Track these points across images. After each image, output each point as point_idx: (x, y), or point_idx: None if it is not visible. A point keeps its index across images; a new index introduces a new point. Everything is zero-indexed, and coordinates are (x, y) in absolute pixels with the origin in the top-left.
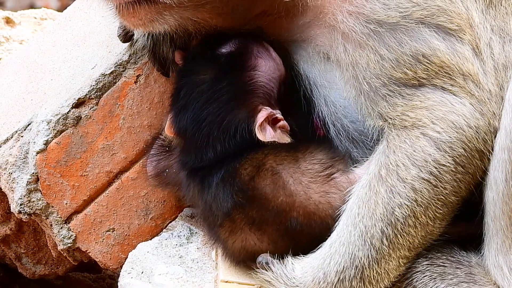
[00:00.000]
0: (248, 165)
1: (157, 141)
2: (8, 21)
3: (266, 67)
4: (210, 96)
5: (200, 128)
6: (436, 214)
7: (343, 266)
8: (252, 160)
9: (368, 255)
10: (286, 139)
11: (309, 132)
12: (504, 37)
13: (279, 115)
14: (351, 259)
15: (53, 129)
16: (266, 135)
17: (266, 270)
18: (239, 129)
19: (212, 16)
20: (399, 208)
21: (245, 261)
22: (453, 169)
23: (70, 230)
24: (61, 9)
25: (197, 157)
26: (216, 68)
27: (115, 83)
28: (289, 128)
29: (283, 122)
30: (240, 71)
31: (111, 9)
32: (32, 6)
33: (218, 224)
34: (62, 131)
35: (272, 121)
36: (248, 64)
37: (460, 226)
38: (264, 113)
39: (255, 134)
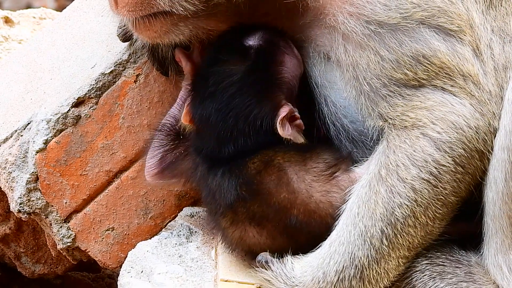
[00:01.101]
0: (257, 160)
1: (159, 134)
2: (7, 20)
3: (291, 64)
4: (240, 88)
5: (226, 119)
6: (436, 214)
7: (343, 266)
8: (262, 156)
9: (367, 254)
10: (300, 139)
11: (313, 131)
12: (504, 38)
13: (297, 113)
14: (350, 258)
15: (53, 128)
16: (285, 130)
17: (266, 269)
18: (264, 123)
19: (222, 23)
20: (399, 208)
21: (241, 250)
22: (453, 169)
23: (70, 229)
24: (58, 9)
25: (216, 147)
26: (247, 60)
27: (114, 82)
28: (303, 128)
29: (299, 121)
30: (269, 65)
31: (125, 23)
32: (29, 6)
33: (220, 212)
34: (61, 130)
35: (290, 118)
36: (276, 59)
37: (460, 225)
38: (286, 108)
39: (276, 128)
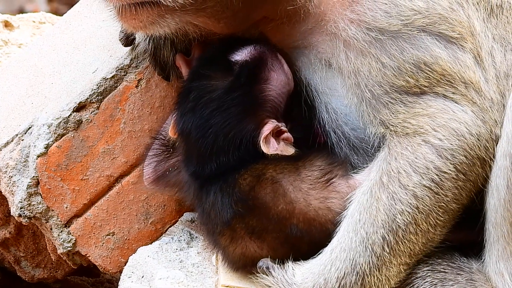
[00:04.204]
0: (247, 176)
1: (155, 143)
2: (7, 24)
3: (278, 82)
4: (220, 105)
5: (205, 136)
6: (437, 221)
7: (344, 272)
8: (252, 171)
9: (369, 261)
10: (289, 150)
11: (310, 139)
12: (505, 46)
13: (283, 127)
14: (352, 265)
15: (54, 133)
16: (270, 147)
17: (267, 275)
18: (244, 141)
19: (212, 21)
20: (400, 215)
21: (245, 267)
22: (455, 177)
23: (70, 234)
24: (51, 12)
25: (199, 164)
26: (229, 77)
27: (116, 87)
28: (292, 140)
29: (287, 135)
30: (253, 83)
31: (111, 10)
32: (21, 9)
33: (218, 232)
34: (63, 135)
35: (276, 133)
36: (261, 77)
37: (461, 232)
38: (269, 126)
39: (259, 146)
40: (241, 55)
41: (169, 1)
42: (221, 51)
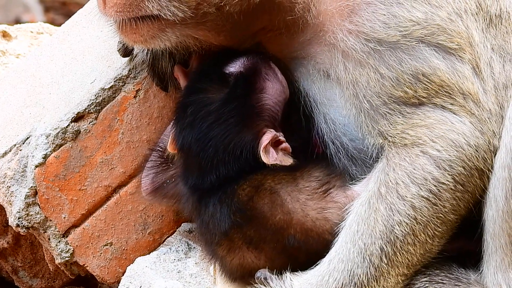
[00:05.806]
0: (246, 186)
1: (154, 154)
2: (5, 34)
3: (273, 90)
4: (218, 117)
5: (205, 149)
6: (435, 232)
7: (342, 283)
8: (251, 181)
9: (367, 272)
10: (288, 161)
11: (308, 149)
12: (504, 56)
13: (281, 137)
14: (350, 276)
15: (52, 143)
16: (270, 157)
17: (265, 286)
18: (244, 152)
19: (213, 34)
20: (398, 226)
21: (242, 277)
22: (453, 188)
23: (68, 244)
24: (47, 23)
25: (199, 178)
26: (225, 89)
27: (114, 97)
28: (290, 150)
29: (285, 144)
30: (249, 93)
31: (111, 25)
32: (18, 20)
33: (216, 242)
34: (61, 145)
35: (274, 143)
36: (256, 87)
37: (459, 243)
38: (268, 135)
39: (259, 157)
40: (235, 66)
41: (169, 15)
42: (215, 64)
